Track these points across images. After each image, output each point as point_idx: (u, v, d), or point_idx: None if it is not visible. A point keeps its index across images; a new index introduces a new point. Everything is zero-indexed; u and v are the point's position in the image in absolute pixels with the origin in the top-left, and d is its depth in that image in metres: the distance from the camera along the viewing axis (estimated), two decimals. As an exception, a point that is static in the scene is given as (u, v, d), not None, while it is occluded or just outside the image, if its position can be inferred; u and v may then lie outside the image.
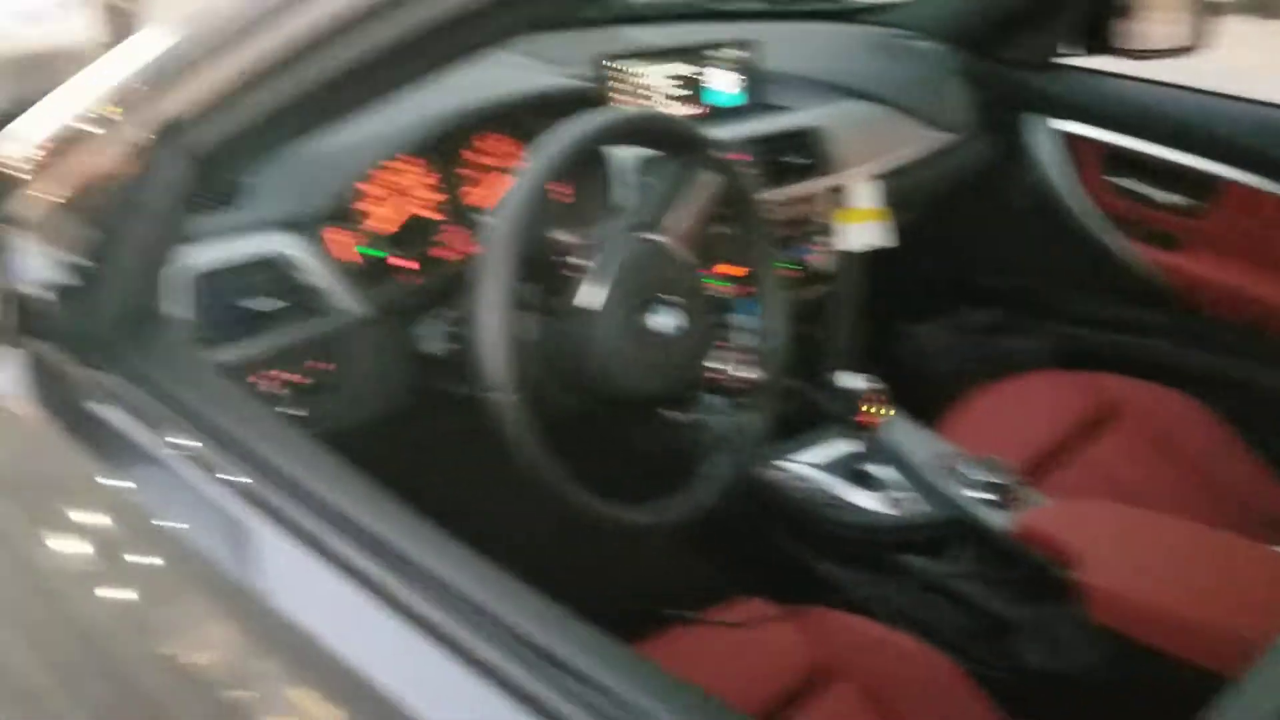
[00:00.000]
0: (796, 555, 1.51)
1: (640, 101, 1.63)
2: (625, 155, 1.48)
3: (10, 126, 0.98)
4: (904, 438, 1.56)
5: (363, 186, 1.30)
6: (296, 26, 0.81)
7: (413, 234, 1.35)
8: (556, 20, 1.67)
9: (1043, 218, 1.97)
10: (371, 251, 1.30)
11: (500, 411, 1.10)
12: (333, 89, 0.86)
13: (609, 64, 1.60)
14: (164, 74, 0.87)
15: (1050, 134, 1.95)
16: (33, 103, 0.98)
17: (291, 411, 1.18)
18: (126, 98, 0.89)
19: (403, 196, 1.34)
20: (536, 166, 1.14)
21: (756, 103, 1.75)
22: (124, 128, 0.89)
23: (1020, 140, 1.97)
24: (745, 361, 1.33)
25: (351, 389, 1.26)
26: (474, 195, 1.41)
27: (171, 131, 0.88)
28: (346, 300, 1.26)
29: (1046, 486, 1.48)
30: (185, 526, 0.84)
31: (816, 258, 1.76)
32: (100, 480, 0.93)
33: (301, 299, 1.22)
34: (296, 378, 1.20)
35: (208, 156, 0.90)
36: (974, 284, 2.08)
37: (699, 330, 1.26)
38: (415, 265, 1.34)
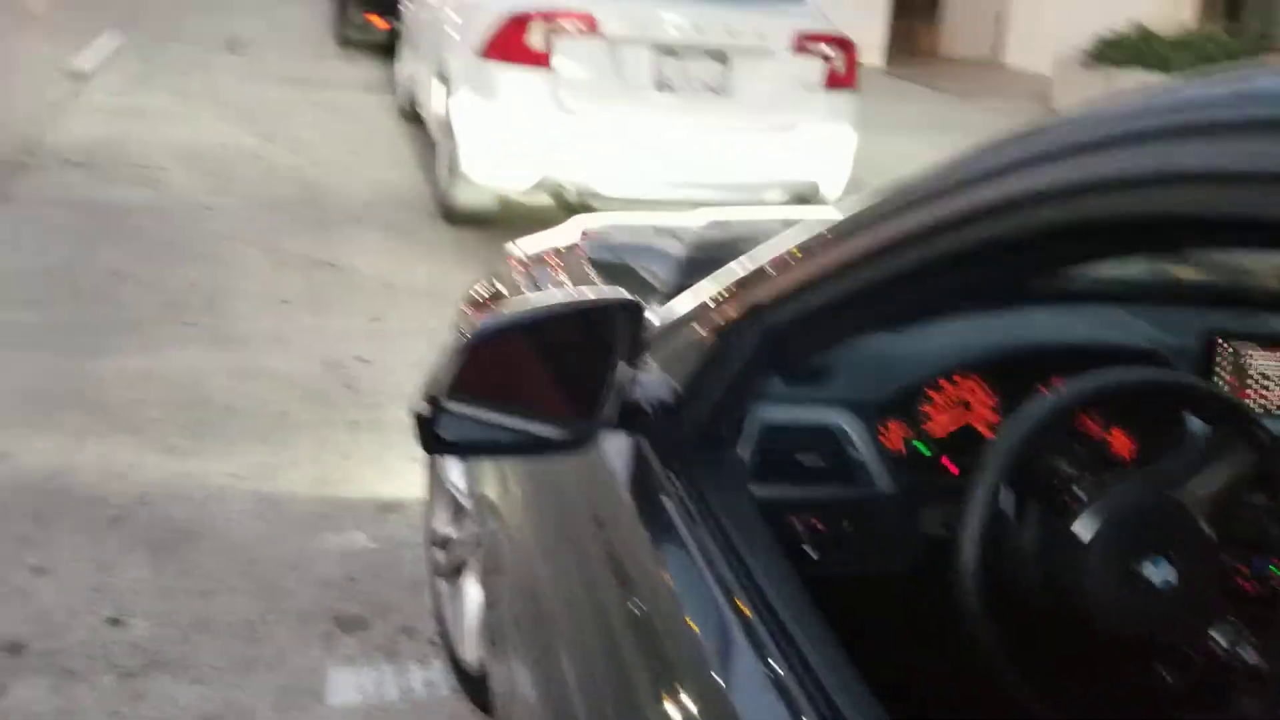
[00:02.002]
0: None
1: (1241, 383, 1.66)
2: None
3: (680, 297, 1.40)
4: None
5: (930, 390, 1.54)
6: (862, 241, 1.07)
7: (962, 442, 1.55)
8: (1168, 290, 1.76)
9: None
10: (920, 446, 1.53)
11: (964, 598, 1.25)
12: (885, 294, 1.08)
13: (1218, 340, 1.66)
14: (760, 268, 1.22)
15: None
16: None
17: (807, 549, 1.44)
18: (735, 282, 1.25)
19: (964, 409, 1.56)
20: (1050, 399, 1.30)
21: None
22: (727, 303, 1.25)
23: None
24: (1250, 645, 1.30)
25: (860, 547, 1.48)
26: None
27: (754, 311, 1.21)
28: (883, 478, 1.50)
29: None
30: (696, 629, 1.12)
31: None
32: (648, 552, 1.27)
33: (844, 466, 1.49)
34: (821, 526, 1.46)
35: (780, 334, 1.22)
36: None
37: (1196, 595, 1.29)
38: (955, 469, 1.54)
